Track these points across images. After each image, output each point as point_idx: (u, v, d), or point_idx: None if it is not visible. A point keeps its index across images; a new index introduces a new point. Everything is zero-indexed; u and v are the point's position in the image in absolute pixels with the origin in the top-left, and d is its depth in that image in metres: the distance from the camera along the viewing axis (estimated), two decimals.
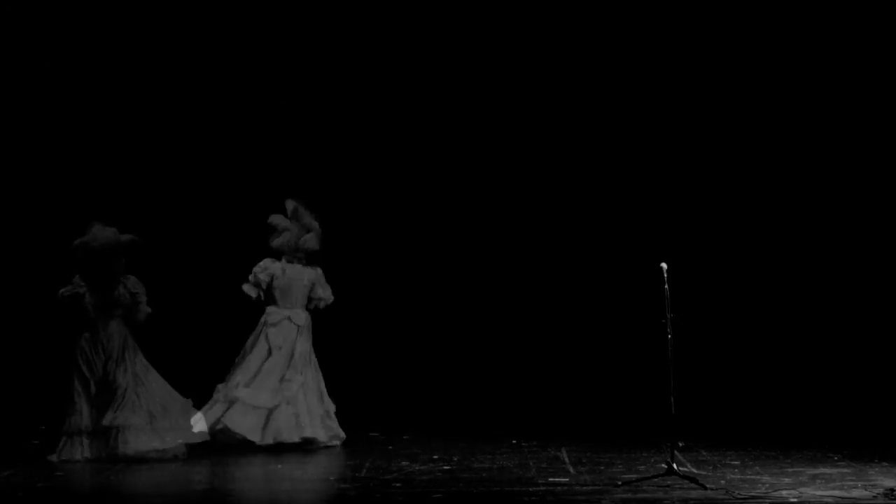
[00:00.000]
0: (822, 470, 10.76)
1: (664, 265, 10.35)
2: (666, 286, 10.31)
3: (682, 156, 14.41)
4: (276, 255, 12.85)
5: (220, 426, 12.40)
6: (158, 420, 11.89)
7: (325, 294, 12.96)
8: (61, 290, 12.10)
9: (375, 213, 14.73)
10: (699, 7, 14.32)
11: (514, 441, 12.56)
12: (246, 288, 12.78)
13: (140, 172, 14.51)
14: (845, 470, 10.76)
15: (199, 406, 12.33)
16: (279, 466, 11.38)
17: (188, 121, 14.64)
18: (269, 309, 12.79)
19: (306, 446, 12.36)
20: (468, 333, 14.53)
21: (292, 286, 12.82)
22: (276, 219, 12.87)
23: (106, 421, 11.79)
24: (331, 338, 14.36)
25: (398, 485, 10.28)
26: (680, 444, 10.61)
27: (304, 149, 14.69)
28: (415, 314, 14.57)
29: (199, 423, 12.27)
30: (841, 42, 14.14)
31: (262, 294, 12.80)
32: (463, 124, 14.70)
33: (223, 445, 12.24)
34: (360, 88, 14.67)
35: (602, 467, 11.02)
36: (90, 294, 12.04)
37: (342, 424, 13.05)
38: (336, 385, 14.26)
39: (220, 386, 12.63)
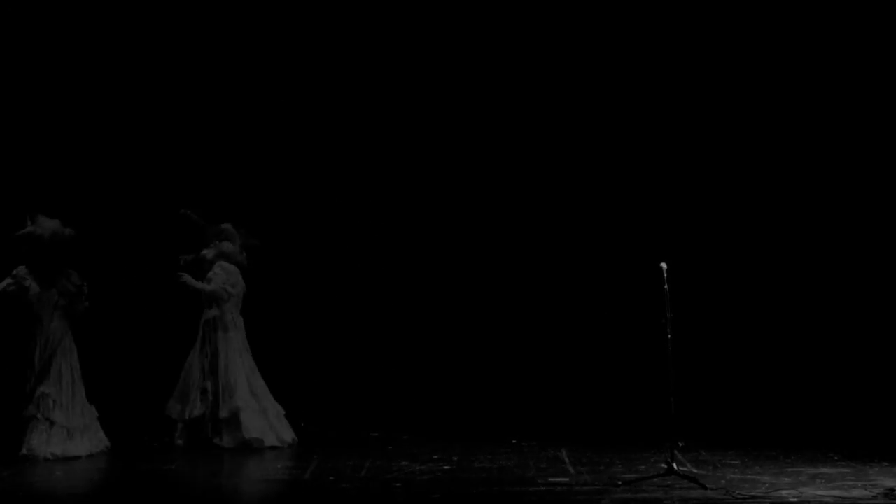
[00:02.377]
0: (822, 470, 10.76)
1: (664, 265, 10.36)
2: (666, 286, 10.31)
3: (682, 156, 14.41)
4: (202, 260, 12.90)
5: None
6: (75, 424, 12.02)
7: None
8: (3, 284, 12.08)
9: (376, 214, 14.72)
10: (699, 7, 14.31)
11: (514, 441, 12.56)
12: (220, 292, 12.80)
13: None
14: (845, 470, 10.76)
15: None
16: (279, 466, 11.38)
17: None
18: (237, 315, 12.85)
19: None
20: (468, 334, 14.53)
21: (241, 290, 12.94)
22: (228, 225, 12.96)
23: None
24: (331, 338, 14.41)
25: (398, 485, 10.28)
26: (680, 444, 10.60)
27: (300, 146, 14.70)
28: (415, 315, 14.56)
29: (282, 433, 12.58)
30: (841, 42, 14.14)
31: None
32: (462, 124, 14.69)
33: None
34: (362, 84, 14.66)
35: (602, 467, 11.01)
36: (35, 286, 12.06)
37: (344, 425, 13.11)
38: (336, 385, 14.31)
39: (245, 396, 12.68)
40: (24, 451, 11.84)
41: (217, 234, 13.04)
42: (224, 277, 12.80)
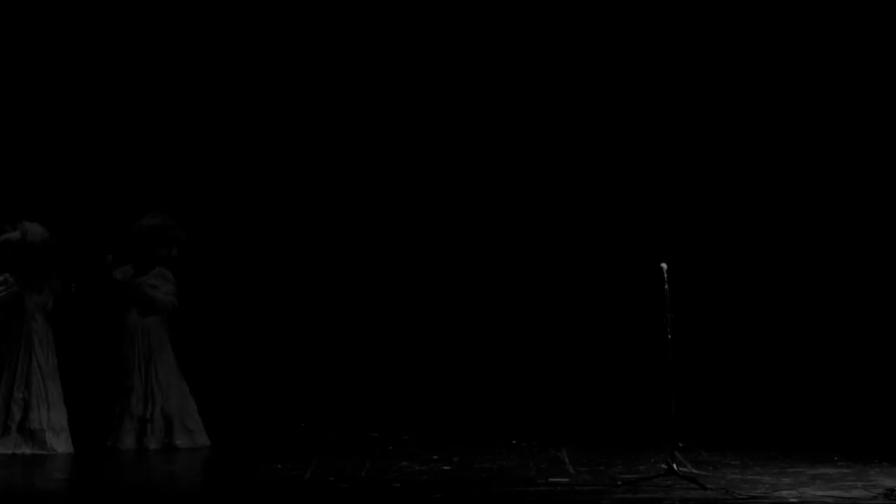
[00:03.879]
0: (822, 470, 10.75)
1: (664, 265, 10.35)
2: (666, 286, 10.30)
3: (682, 156, 14.40)
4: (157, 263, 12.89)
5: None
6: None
7: None
8: None
9: (380, 214, 14.70)
10: (699, 7, 14.31)
11: (514, 441, 12.56)
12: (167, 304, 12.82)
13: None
14: (845, 470, 10.75)
15: None
16: (279, 466, 11.37)
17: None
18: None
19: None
20: (468, 334, 14.52)
21: None
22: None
23: (35, 423, 11.96)
24: (331, 338, 14.40)
25: (398, 485, 10.28)
26: (680, 445, 10.60)
27: (300, 144, 14.69)
28: (415, 315, 14.55)
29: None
30: (841, 42, 14.13)
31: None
32: (463, 122, 14.68)
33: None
34: (341, 76, 14.64)
35: (602, 467, 11.01)
36: (26, 291, 12.15)
37: (344, 425, 13.11)
38: (336, 386, 14.31)
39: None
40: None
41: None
42: (171, 288, 12.80)
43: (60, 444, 12.12)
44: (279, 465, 11.41)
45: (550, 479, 10.46)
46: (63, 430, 12.16)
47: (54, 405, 12.15)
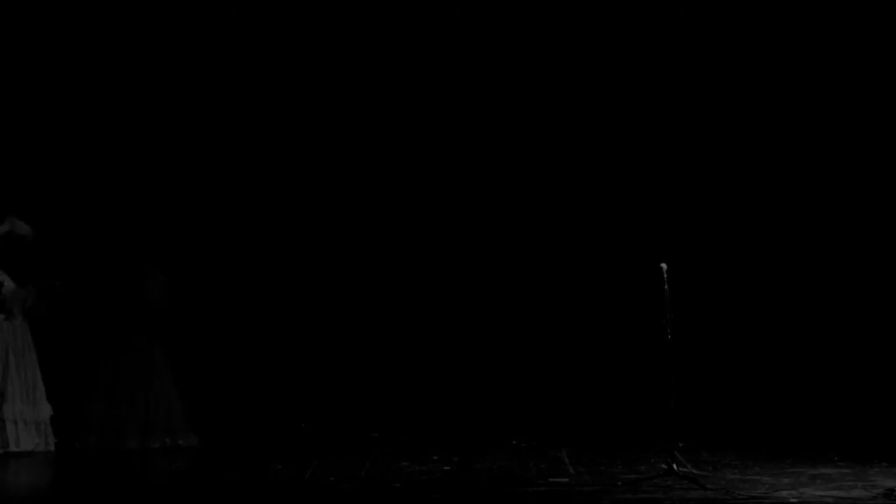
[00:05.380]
0: (822, 470, 10.76)
1: (664, 265, 10.36)
2: (666, 286, 10.31)
3: (682, 156, 14.41)
4: None
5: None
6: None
7: None
8: None
9: (380, 216, 14.70)
10: (698, 7, 14.31)
11: (514, 441, 12.56)
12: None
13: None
14: (845, 470, 10.76)
15: None
16: (279, 466, 11.38)
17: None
18: None
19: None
20: (468, 334, 14.53)
21: None
22: None
23: (8, 414, 12.02)
24: (331, 339, 14.40)
25: (398, 485, 10.28)
26: (680, 445, 10.61)
27: (296, 143, 14.69)
28: (415, 315, 14.56)
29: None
30: (841, 42, 14.13)
31: None
32: (463, 124, 14.69)
33: None
34: (361, 84, 14.67)
35: (602, 467, 11.01)
36: (10, 284, 12.20)
37: (344, 424, 13.11)
38: (336, 386, 14.31)
39: None
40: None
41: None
42: (164, 290, 12.83)
43: (27, 440, 12.10)
44: (279, 465, 11.42)
45: (550, 479, 10.46)
46: (31, 425, 12.15)
47: (31, 399, 12.14)
